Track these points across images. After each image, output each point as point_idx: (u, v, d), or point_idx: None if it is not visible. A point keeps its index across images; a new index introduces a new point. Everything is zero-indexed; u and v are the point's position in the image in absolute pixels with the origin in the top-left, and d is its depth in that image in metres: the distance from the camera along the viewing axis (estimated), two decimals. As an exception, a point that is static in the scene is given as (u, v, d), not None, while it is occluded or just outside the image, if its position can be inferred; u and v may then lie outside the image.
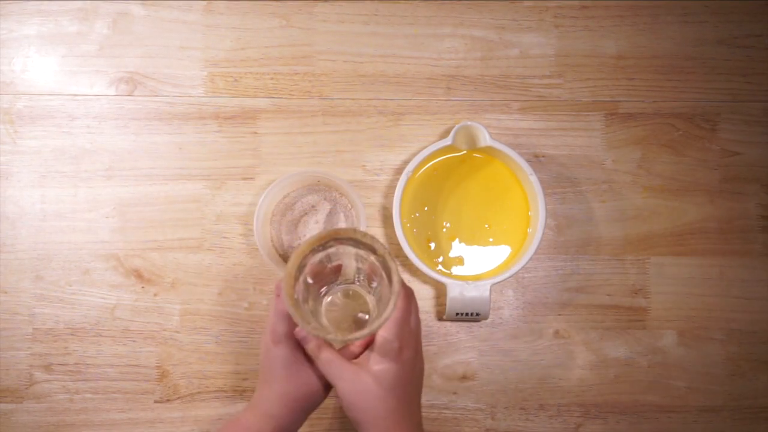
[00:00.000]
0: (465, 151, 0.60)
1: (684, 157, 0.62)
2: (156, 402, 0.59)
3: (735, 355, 0.60)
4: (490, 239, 0.59)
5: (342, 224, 0.60)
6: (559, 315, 0.60)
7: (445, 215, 0.59)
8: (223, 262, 0.60)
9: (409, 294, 0.48)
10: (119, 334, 0.60)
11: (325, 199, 0.60)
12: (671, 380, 0.60)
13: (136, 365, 0.59)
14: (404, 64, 0.62)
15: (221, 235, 0.60)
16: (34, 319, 0.60)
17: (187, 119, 0.61)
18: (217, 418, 0.59)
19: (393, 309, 0.42)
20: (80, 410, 0.59)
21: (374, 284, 0.47)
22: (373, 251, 0.43)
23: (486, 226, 0.59)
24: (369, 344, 0.48)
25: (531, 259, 0.56)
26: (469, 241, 0.59)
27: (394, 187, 0.58)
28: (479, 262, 0.59)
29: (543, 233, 0.56)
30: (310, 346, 0.47)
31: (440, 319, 0.60)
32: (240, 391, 0.59)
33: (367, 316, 0.48)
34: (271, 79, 0.62)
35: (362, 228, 0.57)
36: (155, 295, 0.60)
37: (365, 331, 0.42)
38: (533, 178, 0.57)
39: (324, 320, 0.48)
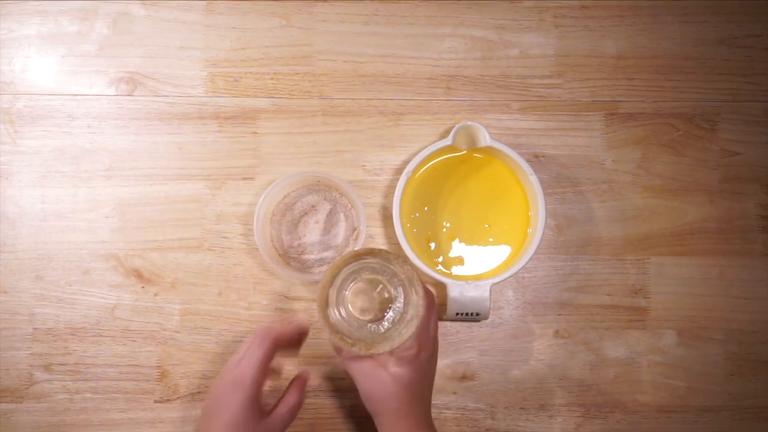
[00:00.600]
0: (465, 151, 0.60)
1: (684, 157, 0.62)
2: (156, 402, 0.59)
3: (735, 355, 0.60)
4: (490, 239, 0.59)
5: (342, 224, 0.60)
6: (559, 315, 0.61)
7: (445, 215, 0.59)
8: (223, 262, 0.60)
9: (431, 302, 0.51)
10: (119, 334, 0.60)
11: (325, 199, 0.60)
12: (671, 380, 0.60)
13: (136, 365, 0.59)
14: (404, 64, 0.62)
15: (221, 235, 0.60)
16: (34, 318, 0.60)
17: (187, 119, 0.61)
18: (217, 418, 0.59)
19: (415, 329, 0.46)
20: (80, 410, 0.59)
21: (399, 292, 0.50)
22: (400, 268, 0.47)
23: (486, 226, 0.59)
24: None
25: (531, 259, 0.56)
26: (469, 241, 0.59)
27: (394, 187, 0.58)
28: (479, 262, 0.59)
29: (543, 233, 0.56)
30: (333, 345, 0.52)
31: (440, 319, 0.60)
32: (240, 391, 0.59)
33: (389, 313, 0.51)
34: (271, 79, 0.62)
35: (362, 228, 0.57)
36: (155, 295, 0.60)
37: (387, 347, 0.46)
38: (533, 178, 0.57)
39: (349, 307, 0.51)
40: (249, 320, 0.60)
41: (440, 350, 0.60)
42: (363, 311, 0.52)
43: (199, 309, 0.60)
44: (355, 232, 0.60)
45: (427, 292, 0.49)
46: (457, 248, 0.59)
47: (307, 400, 0.59)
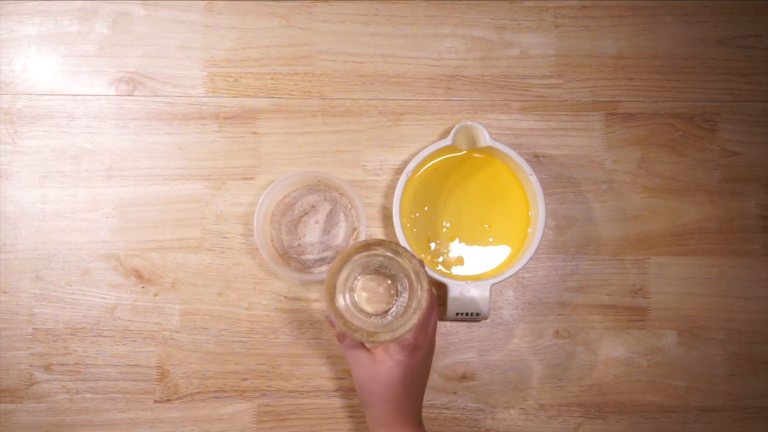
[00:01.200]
0: (465, 151, 0.60)
1: (684, 157, 0.62)
2: (156, 402, 0.59)
3: (735, 355, 0.60)
4: (490, 239, 0.59)
5: (342, 224, 0.60)
6: (559, 315, 0.60)
7: (445, 215, 0.59)
8: (223, 262, 0.60)
9: (433, 302, 0.53)
10: (119, 334, 0.60)
11: (325, 199, 0.60)
12: (671, 380, 0.60)
13: (136, 365, 0.59)
14: (404, 64, 0.62)
15: (221, 235, 0.60)
16: (34, 319, 0.60)
17: (187, 119, 0.61)
18: (217, 418, 0.59)
19: (417, 321, 0.48)
20: (80, 410, 0.59)
21: (404, 287, 0.51)
22: (407, 262, 0.49)
23: (486, 226, 0.59)
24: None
25: (531, 259, 0.56)
26: (469, 241, 0.59)
27: (394, 187, 0.58)
28: (479, 262, 0.59)
29: (543, 233, 0.56)
30: (336, 332, 0.54)
31: (440, 319, 0.60)
32: (240, 392, 0.59)
33: (393, 308, 0.53)
34: (271, 79, 0.62)
35: (362, 228, 0.57)
36: (155, 295, 0.60)
37: (388, 336, 0.48)
38: (533, 178, 0.57)
39: (355, 297, 0.53)
40: (249, 320, 0.60)
41: (440, 350, 0.60)
42: (369, 303, 0.54)
43: (199, 309, 0.60)
44: (355, 232, 0.60)
45: (430, 292, 0.49)
46: (458, 248, 0.59)
47: (307, 400, 0.59)
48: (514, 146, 0.59)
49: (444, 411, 0.60)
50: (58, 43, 0.62)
